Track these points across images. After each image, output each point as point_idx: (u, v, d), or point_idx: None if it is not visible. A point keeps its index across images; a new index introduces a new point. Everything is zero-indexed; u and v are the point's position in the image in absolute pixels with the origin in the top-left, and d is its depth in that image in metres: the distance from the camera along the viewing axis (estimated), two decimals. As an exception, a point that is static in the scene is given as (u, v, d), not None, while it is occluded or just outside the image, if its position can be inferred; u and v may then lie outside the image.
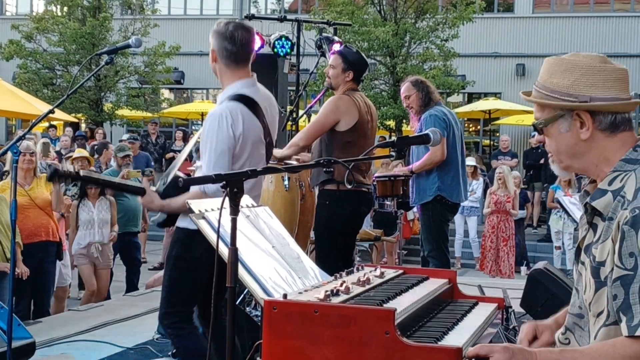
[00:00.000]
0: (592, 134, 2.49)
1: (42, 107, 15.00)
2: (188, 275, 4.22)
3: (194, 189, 4.11)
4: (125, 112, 24.35)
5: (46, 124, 19.09)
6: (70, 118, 20.64)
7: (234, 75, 4.32)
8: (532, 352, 2.37)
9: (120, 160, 10.91)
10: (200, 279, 4.17)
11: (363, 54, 6.64)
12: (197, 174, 4.47)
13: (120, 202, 9.77)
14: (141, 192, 4.28)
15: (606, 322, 2.38)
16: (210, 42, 4.34)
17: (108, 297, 9.59)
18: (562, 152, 2.57)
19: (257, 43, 9.20)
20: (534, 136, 19.06)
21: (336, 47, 8.86)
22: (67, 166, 4.47)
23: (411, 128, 7.74)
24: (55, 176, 4.12)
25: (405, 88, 7.30)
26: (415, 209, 11.45)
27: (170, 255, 4.34)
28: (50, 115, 5.36)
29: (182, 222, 4.23)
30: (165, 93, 28.83)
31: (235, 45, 4.27)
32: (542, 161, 17.27)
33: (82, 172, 4.44)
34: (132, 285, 10.32)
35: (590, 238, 2.50)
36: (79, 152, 11.64)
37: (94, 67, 21.47)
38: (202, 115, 25.66)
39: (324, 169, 3.32)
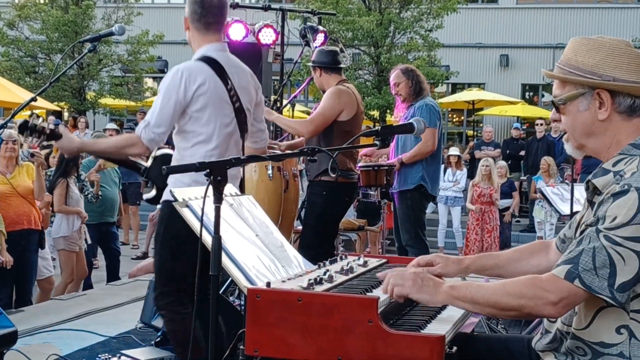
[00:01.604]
0: (610, 115, 2.54)
1: (24, 95, 14.90)
2: (178, 250, 4.17)
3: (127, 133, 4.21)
4: (108, 100, 24.26)
5: (28, 112, 18.95)
6: (53, 106, 20.51)
7: (204, 40, 4.39)
8: (440, 282, 2.62)
9: None
10: (190, 253, 4.06)
11: (330, 47, 6.75)
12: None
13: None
14: (57, 137, 4.25)
15: None
16: (185, 11, 4.43)
17: (89, 284, 9.57)
18: (578, 130, 2.61)
19: (233, 24, 9.16)
20: (516, 128, 19.13)
21: (320, 37, 8.84)
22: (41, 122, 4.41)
23: (395, 117, 7.76)
24: (25, 128, 4.11)
25: (395, 75, 7.33)
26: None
27: (158, 232, 4.32)
28: (33, 103, 5.30)
29: (167, 195, 4.20)
30: (149, 82, 28.71)
31: (205, 9, 4.34)
32: (522, 152, 17.30)
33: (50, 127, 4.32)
34: (112, 274, 10.29)
35: (588, 216, 2.55)
36: None
37: (76, 55, 21.38)
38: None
39: (309, 158, 3.33)
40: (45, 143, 4.38)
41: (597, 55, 2.54)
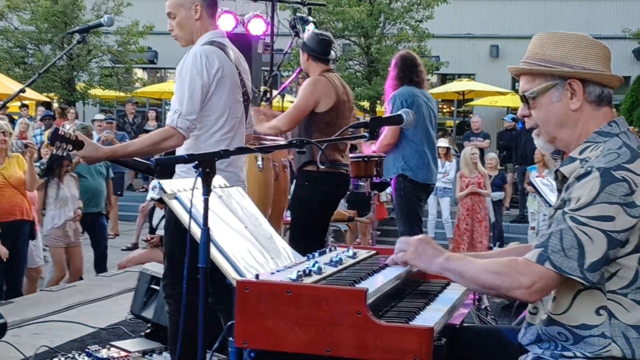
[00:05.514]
0: (581, 105, 2.59)
1: (13, 86, 14.85)
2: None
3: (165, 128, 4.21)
4: (98, 91, 24.17)
5: (18, 103, 18.91)
6: (42, 97, 20.45)
7: (211, 25, 4.47)
8: (442, 250, 2.71)
9: None
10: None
11: (325, 33, 6.61)
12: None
13: (81, 182, 9.68)
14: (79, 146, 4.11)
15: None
16: (186, 2, 4.44)
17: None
18: (551, 122, 2.65)
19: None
20: (513, 119, 19.11)
21: (310, 27, 8.83)
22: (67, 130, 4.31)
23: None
24: (56, 138, 4.02)
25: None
26: (389, 190, 11.47)
27: (169, 222, 4.31)
28: (22, 94, 5.29)
29: None
30: (139, 73, 28.60)
31: None
32: (513, 143, 17.30)
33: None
34: (101, 266, 10.24)
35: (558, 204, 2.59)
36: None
37: (66, 46, 21.28)
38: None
39: (297, 150, 3.33)
40: (69, 152, 4.23)
41: (565, 47, 2.60)
